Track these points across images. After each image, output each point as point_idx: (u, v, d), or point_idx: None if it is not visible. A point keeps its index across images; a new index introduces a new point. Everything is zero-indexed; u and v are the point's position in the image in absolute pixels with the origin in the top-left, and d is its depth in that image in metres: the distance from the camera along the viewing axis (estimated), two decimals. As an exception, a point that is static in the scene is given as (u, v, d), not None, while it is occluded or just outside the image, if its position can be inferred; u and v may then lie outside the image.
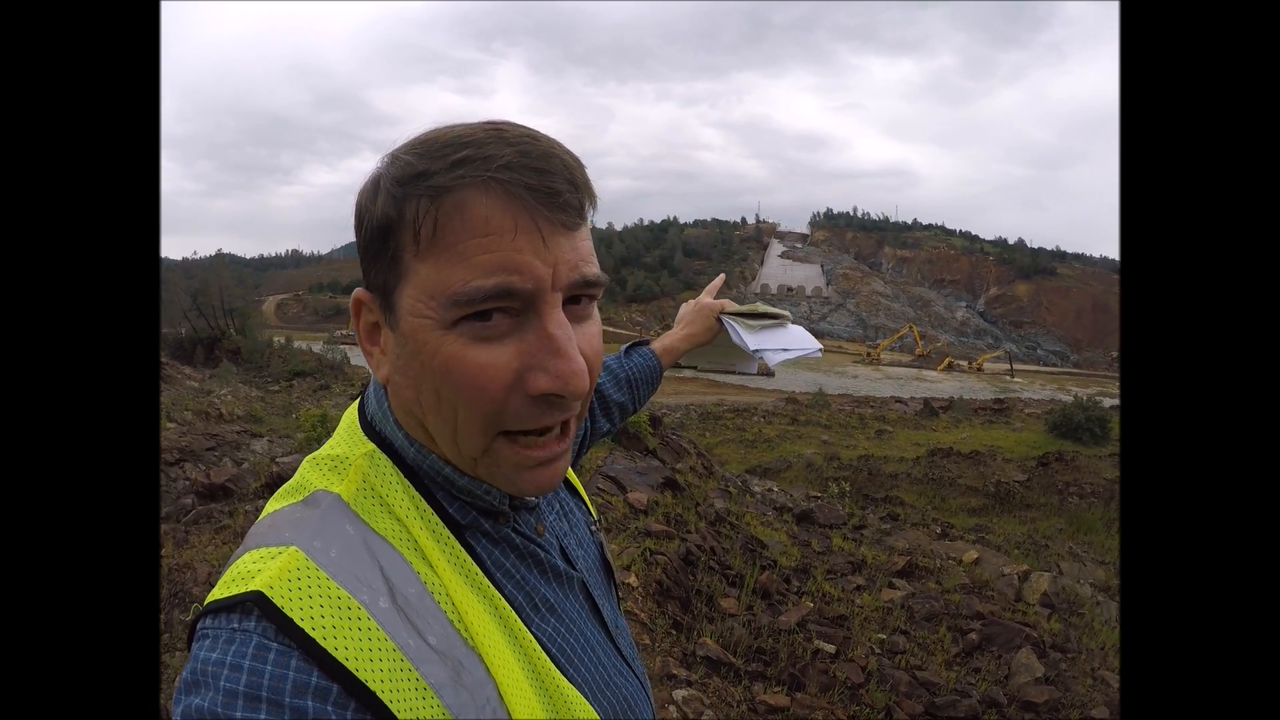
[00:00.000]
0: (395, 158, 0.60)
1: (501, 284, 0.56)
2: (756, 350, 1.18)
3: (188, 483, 6.05)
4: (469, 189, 0.56)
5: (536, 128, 0.60)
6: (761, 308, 1.23)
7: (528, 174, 0.57)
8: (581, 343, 0.60)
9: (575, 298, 0.61)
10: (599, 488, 5.93)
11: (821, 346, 1.25)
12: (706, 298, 1.25)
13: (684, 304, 1.27)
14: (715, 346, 1.26)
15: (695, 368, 1.33)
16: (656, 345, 1.20)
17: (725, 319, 1.22)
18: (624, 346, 1.19)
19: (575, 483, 0.90)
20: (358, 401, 0.72)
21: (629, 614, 3.46)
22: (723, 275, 1.36)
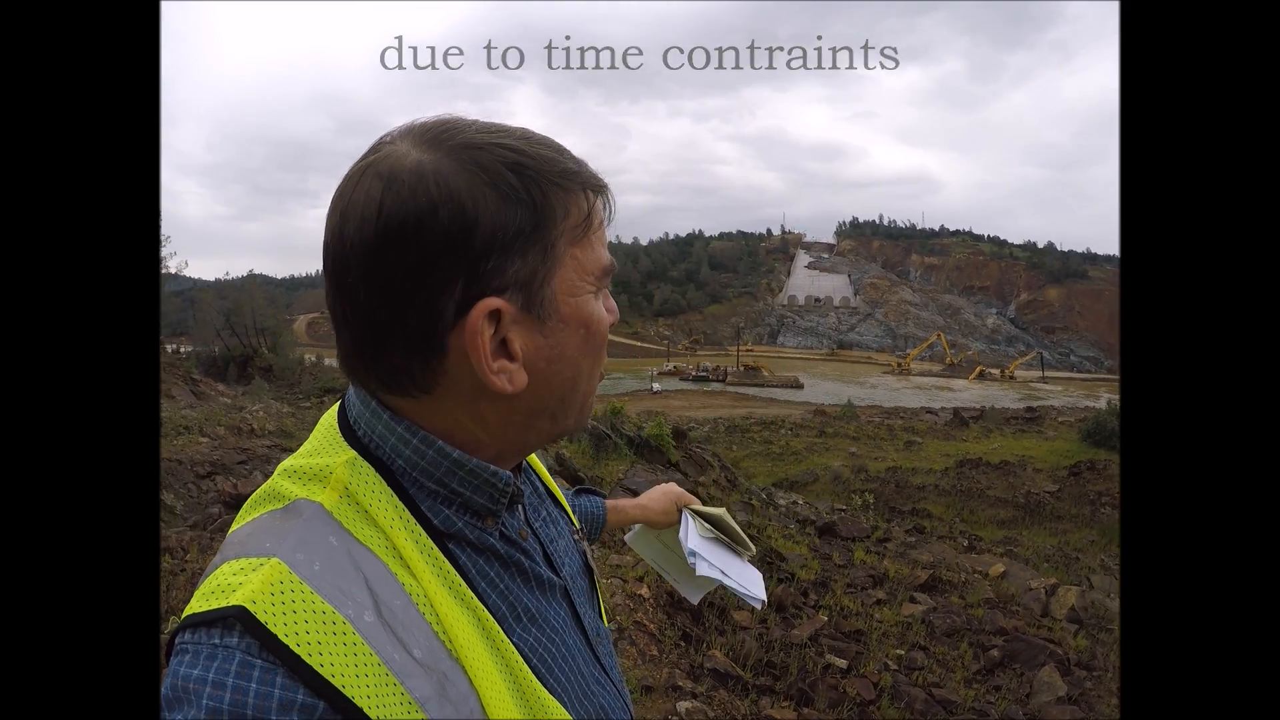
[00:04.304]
0: (501, 149, 0.60)
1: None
2: (692, 552, 1.09)
3: (217, 493, 6.16)
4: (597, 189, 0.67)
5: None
6: (729, 522, 1.17)
7: None
8: None
9: None
10: (618, 501, 5.92)
11: (764, 600, 1.13)
12: (679, 488, 1.23)
13: (658, 485, 1.26)
14: (666, 546, 1.22)
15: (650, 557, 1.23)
16: (609, 501, 1.19)
17: (686, 513, 1.17)
18: (575, 489, 1.17)
19: (558, 495, 0.90)
20: (336, 407, 0.70)
21: (638, 625, 3.45)
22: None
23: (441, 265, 0.57)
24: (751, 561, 1.19)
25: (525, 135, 0.63)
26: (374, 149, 0.62)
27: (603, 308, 0.68)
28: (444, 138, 0.60)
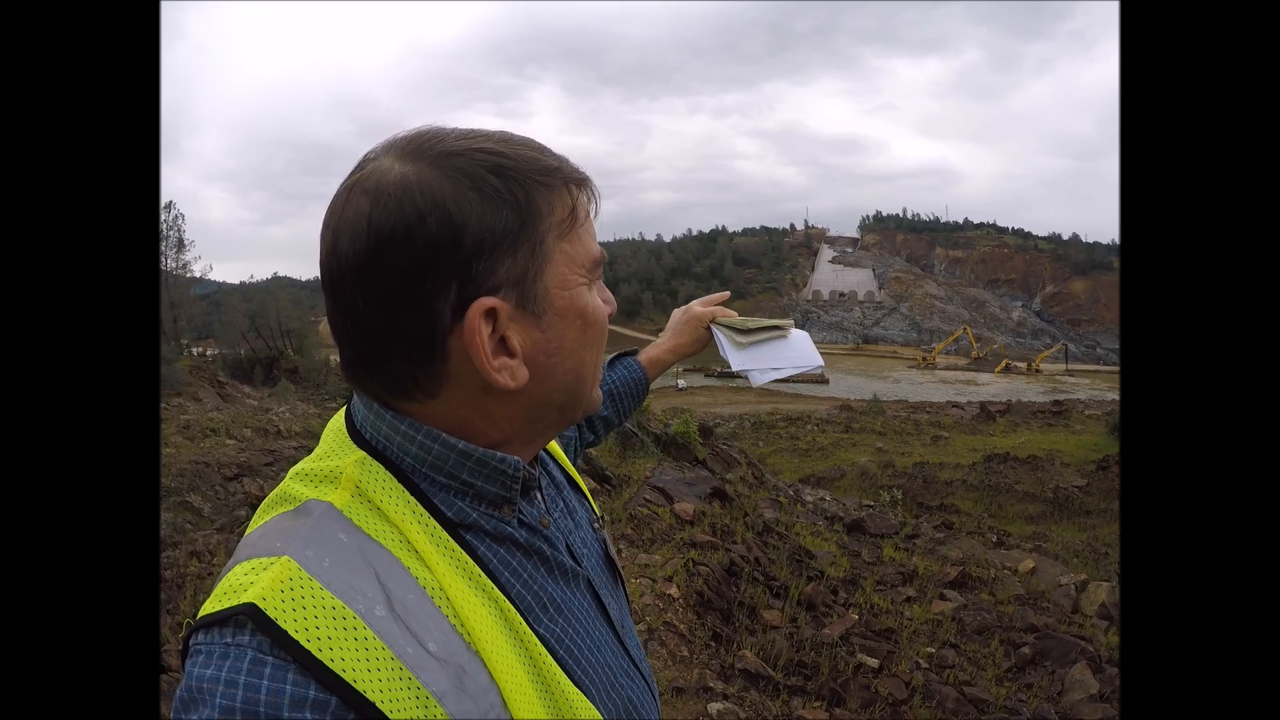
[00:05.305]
0: (481, 153, 0.61)
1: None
2: (740, 370, 1.11)
3: (244, 495, 6.26)
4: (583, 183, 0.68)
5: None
6: (753, 322, 1.15)
7: None
8: None
9: None
10: (646, 498, 5.92)
11: (823, 362, 1.15)
12: (698, 305, 1.21)
13: (675, 310, 1.23)
14: (712, 355, 1.19)
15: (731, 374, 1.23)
16: (643, 356, 1.18)
17: (715, 329, 1.15)
18: (609, 357, 1.16)
19: (577, 479, 0.90)
20: (342, 413, 0.72)
21: (668, 626, 3.46)
22: (726, 294, 1.28)
23: (434, 271, 0.59)
24: (796, 329, 1.18)
25: (504, 138, 0.65)
26: (359, 165, 0.63)
27: (598, 299, 0.69)
28: (425, 148, 0.62)
